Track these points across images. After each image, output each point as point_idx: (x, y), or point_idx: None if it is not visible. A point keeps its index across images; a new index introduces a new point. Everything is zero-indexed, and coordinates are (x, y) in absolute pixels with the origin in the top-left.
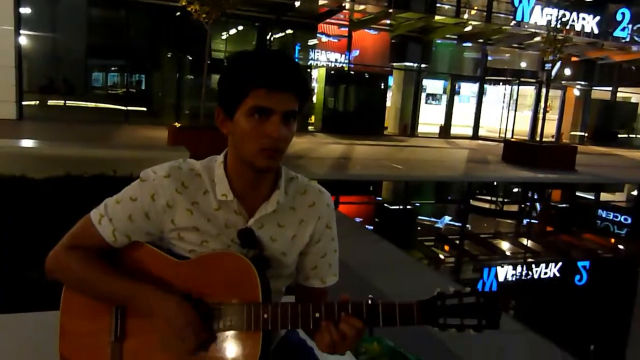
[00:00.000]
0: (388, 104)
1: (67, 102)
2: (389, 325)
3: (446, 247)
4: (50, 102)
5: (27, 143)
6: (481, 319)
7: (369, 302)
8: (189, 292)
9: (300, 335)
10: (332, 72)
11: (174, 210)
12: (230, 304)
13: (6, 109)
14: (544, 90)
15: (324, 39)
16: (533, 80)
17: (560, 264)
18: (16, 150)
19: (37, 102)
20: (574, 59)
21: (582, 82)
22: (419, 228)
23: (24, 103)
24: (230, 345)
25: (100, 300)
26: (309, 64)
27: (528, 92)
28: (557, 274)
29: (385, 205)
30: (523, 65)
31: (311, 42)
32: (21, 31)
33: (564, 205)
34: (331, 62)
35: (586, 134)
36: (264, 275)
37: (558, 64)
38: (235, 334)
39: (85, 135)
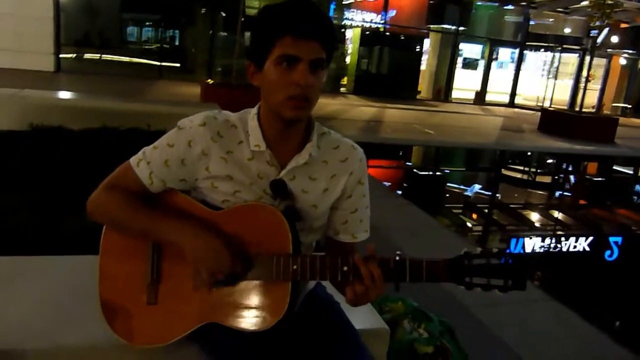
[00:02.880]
0: (422, 67)
1: (102, 55)
2: (415, 281)
3: (474, 216)
4: (86, 56)
5: (64, 95)
6: (507, 279)
7: (397, 257)
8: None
9: (327, 291)
10: (367, 32)
11: (209, 158)
12: (261, 254)
13: (44, 60)
14: (587, 58)
15: None
16: (577, 47)
17: (591, 238)
18: (55, 101)
19: (74, 55)
20: (622, 25)
21: (630, 51)
22: (447, 195)
23: (61, 55)
24: (260, 294)
25: (137, 237)
26: (343, 23)
27: (570, 59)
28: (587, 248)
29: (415, 170)
30: (567, 31)
31: (347, 1)
32: None
33: (600, 178)
34: (366, 22)
35: (630, 106)
36: (295, 227)
37: (605, 31)
38: (265, 283)
39: (120, 89)
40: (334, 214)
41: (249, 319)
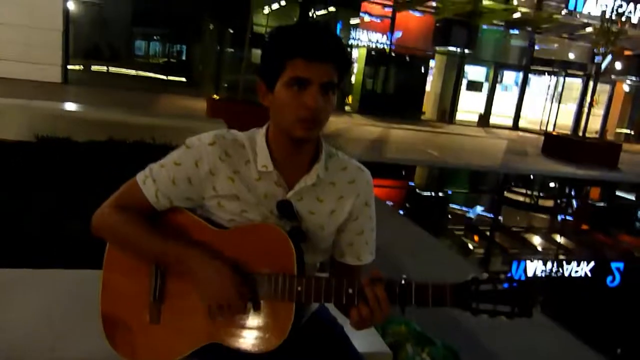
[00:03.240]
0: (427, 88)
1: (110, 68)
2: (421, 306)
3: (476, 238)
4: (94, 68)
5: (71, 106)
6: (514, 306)
7: (402, 281)
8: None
9: (331, 313)
10: (373, 52)
11: (216, 177)
12: (265, 274)
13: (53, 72)
14: (591, 84)
15: (367, 18)
16: (581, 73)
17: (592, 263)
18: (61, 113)
19: (82, 66)
20: (626, 52)
21: (633, 78)
22: (449, 216)
23: (69, 67)
24: (263, 315)
25: (142, 258)
26: (349, 43)
27: (574, 84)
28: (589, 274)
29: (418, 190)
30: (571, 56)
31: (353, 21)
32: None
33: (603, 204)
34: (372, 42)
35: (632, 132)
36: (300, 248)
37: (609, 57)
38: (268, 304)
39: (127, 101)
40: (340, 236)
41: (251, 340)
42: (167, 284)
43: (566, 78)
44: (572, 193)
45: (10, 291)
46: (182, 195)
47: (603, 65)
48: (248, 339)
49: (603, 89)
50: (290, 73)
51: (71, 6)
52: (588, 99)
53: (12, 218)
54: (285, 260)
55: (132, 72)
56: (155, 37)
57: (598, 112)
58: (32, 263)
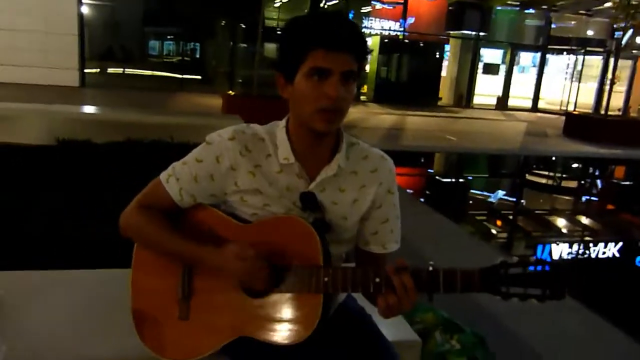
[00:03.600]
0: (443, 73)
1: (125, 69)
2: (449, 292)
3: (498, 222)
4: (109, 70)
5: (89, 109)
6: (545, 288)
7: (430, 268)
8: None
9: (358, 302)
10: (386, 40)
11: (237, 173)
12: (291, 266)
13: (69, 76)
14: (612, 60)
15: (378, 6)
16: (600, 50)
17: (620, 243)
18: (80, 116)
19: (98, 69)
20: None
21: None
22: (470, 202)
23: (85, 70)
24: (292, 307)
25: (172, 258)
26: (362, 31)
27: (594, 62)
28: (617, 254)
29: (437, 177)
30: (590, 33)
31: (365, 9)
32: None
33: (628, 182)
34: (385, 30)
35: None
36: (325, 239)
37: (630, 32)
38: (296, 296)
39: (143, 102)
40: (364, 225)
41: (280, 332)
42: (195, 281)
43: (585, 56)
44: (596, 173)
45: (37, 293)
46: (205, 192)
47: (624, 41)
48: (277, 331)
49: (624, 64)
50: (310, 63)
51: (85, 10)
52: (609, 76)
53: (35, 221)
54: (311, 252)
55: (147, 72)
56: (168, 37)
57: (620, 89)
58: (57, 264)
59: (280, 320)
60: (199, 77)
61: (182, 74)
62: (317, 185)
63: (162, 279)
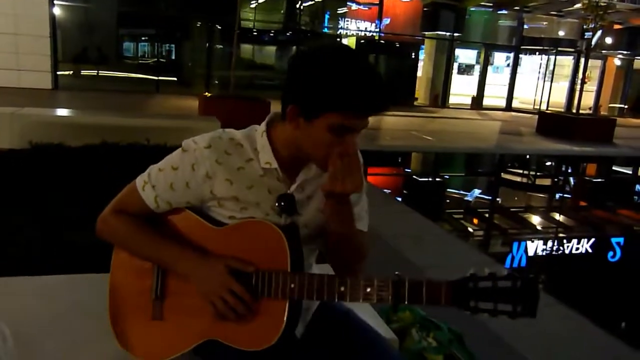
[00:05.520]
0: (419, 74)
1: (99, 71)
2: (414, 303)
3: (475, 221)
4: (83, 72)
5: (63, 112)
6: (516, 305)
7: (395, 279)
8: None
9: (345, 306)
10: (362, 41)
11: (213, 181)
12: (260, 271)
13: (42, 78)
14: (582, 60)
15: (354, 7)
16: (571, 50)
17: (593, 239)
18: (54, 119)
19: (71, 71)
20: (616, 26)
21: (624, 52)
22: (448, 201)
23: (58, 73)
24: (257, 311)
25: (145, 261)
26: (338, 32)
27: (565, 62)
28: (590, 250)
29: (414, 177)
30: (561, 33)
31: (341, 10)
32: (55, 1)
33: (600, 179)
34: (361, 31)
35: (626, 106)
36: (295, 244)
37: (599, 32)
38: (263, 301)
39: (118, 104)
40: None
41: (245, 337)
42: (167, 282)
43: (557, 56)
44: (569, 170)
45: (15, 299)
46: (181, 199)
47: (593, 41)
48: (242, 335)
49: (594, 64)
50: (337, 119)
51: (57, 11)
52: (580, 75)
53: (9, 226)
54: (280, 257)
55: (122, 74)
56: (143, 38)
57: (591, 88)
58: (32, 270)
59: (246, 325)
60: (175, 78)
61: (157, 76)
62: (297, 188)
63: (138, 280)
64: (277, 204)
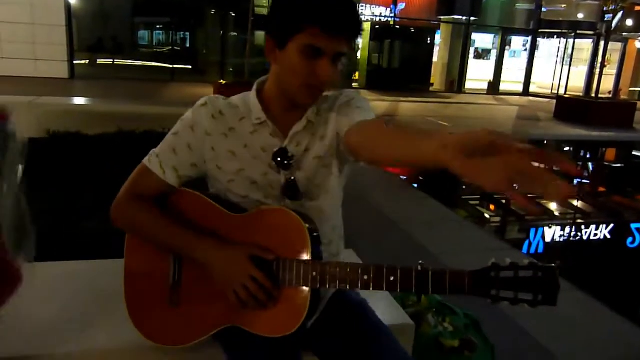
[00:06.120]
0: (435, 59)
1: (115, 60)
2: (438, 293)
3: (492, 207)
4: (99, 61)
5: (80, 101)
6: (537, 294)
7: (419, 267)
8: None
9: (360, 295)
10: (377, 27)
11: (212, 137)
12: (281, 259)
13: (59, 68)
14: (602, 43)
15: None
16: (591, 33)
17: (612, 225)
18: (71, 107)
19: (87, 61)
20: (637, 8)
21: None
22: (463, 187)
23: (75, 62)
24: (279, 300)
25: (160, 248)
26: (359, 13)
27: (585, 45)
28: (608, 236)
29: None
30: (580, 16)
31: None
32: None
33: (619, 165)
34: (376, 16)
35: None
36: (313, 233)
37: (619, 14)
38: (284, 289)
39: (134, 93)
40: (340, 133)
41: (266, 324)
42: (184, 269)
43: (576, 39)
44: (588, 156)
45: (33, 285)
46: (185, 162)
47: (614, 23)
48: (263, 322)
49: (615, 47)
50: (305, 39)
51: (72, 1)
52: (599, 59)
53: (31, 213)
54: (300, 246)
55: (138, 62)
56: (157, 26)
57: (610, 72)
58: (49, 257)
59: (268, 313)
60: (190, 66)
61: (172, 64)
62: (291, 141)
63: (153, 266)
64: (273, 161)
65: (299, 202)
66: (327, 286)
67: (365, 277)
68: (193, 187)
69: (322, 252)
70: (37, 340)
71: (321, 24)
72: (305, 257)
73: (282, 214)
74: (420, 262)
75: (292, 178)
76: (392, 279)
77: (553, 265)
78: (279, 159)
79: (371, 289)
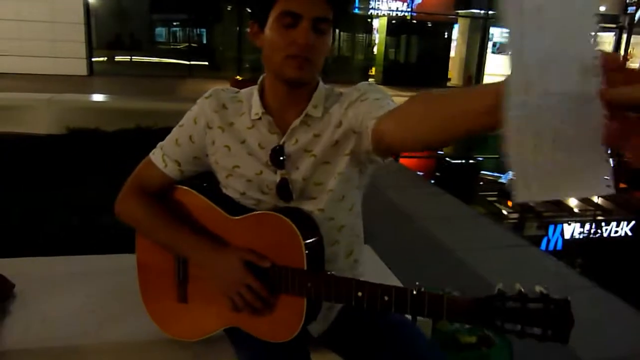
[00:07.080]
0: (452, 54)
1: (133, 57)
2: (433, 317)
3: (509, 203)
4: (117, 58)
5: (98, 97)
6: (547, 328)
7: (414, 291)
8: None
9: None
10: (394, 21)
11: (213, 131)
12: (276, 267)
13: (78, 65)
14: (624, 36)
15: None
16: (613, 26)
17: (633, 222)
18: (90, 104)
19: (106, 58)
20: None
21: None
22: (481, 183)
23: (93, 59)
24: (277, 306)
25: (161, 245)
26: (369, 13)
27: (606, 38)
28: (629, 233)
29: (447, 159)
30: (602, 9)
31: None
32: None
33: None
34: (392, 11)
35: None
36: (313, 241)
37: None
38: (282, 296)
39: (152, 89)
40: (360, 126)
41: (266, 330)
42: (188, 266)
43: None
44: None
45: (52, 279)
46: (187, 155)
47: (637, 16)
48: (264, 328)
49: (637, 41)
50: (280, 7)
51: None
52: (622, 52)
53: (47, 209)
54: (297, 255)
55: (155, 59)
56: (174, 23)
57: (634, 65)
58: (68, 251)
59: (266, 318)
60: (207, 62)
61: (189, 60)
62: (289, 138)
63: (161, 262)
64: (270, 159)
65: (294, 202)
66: (322, 299)
67: (359, 294)
68: (201, 180)
69: (325, 256)
70: (56, 333)
71: None
72: (301, 265)
73: (276, 220)
74: (417, 283)
75: (285, 178)
76: (386, 298)
77: (567, 298)
78: (274, 157)
79: (365, 307)
